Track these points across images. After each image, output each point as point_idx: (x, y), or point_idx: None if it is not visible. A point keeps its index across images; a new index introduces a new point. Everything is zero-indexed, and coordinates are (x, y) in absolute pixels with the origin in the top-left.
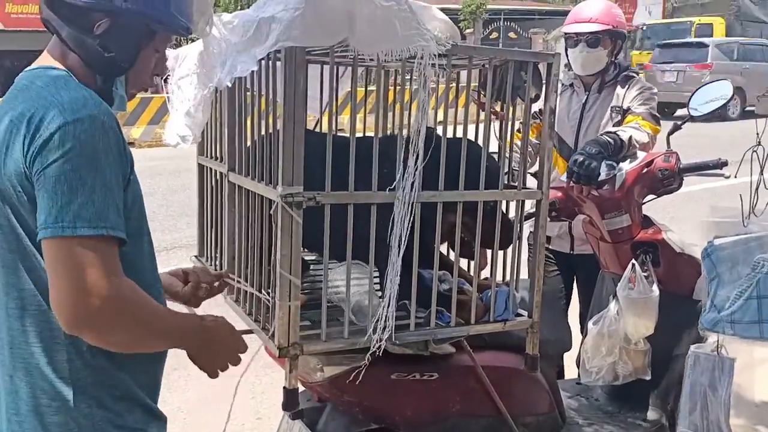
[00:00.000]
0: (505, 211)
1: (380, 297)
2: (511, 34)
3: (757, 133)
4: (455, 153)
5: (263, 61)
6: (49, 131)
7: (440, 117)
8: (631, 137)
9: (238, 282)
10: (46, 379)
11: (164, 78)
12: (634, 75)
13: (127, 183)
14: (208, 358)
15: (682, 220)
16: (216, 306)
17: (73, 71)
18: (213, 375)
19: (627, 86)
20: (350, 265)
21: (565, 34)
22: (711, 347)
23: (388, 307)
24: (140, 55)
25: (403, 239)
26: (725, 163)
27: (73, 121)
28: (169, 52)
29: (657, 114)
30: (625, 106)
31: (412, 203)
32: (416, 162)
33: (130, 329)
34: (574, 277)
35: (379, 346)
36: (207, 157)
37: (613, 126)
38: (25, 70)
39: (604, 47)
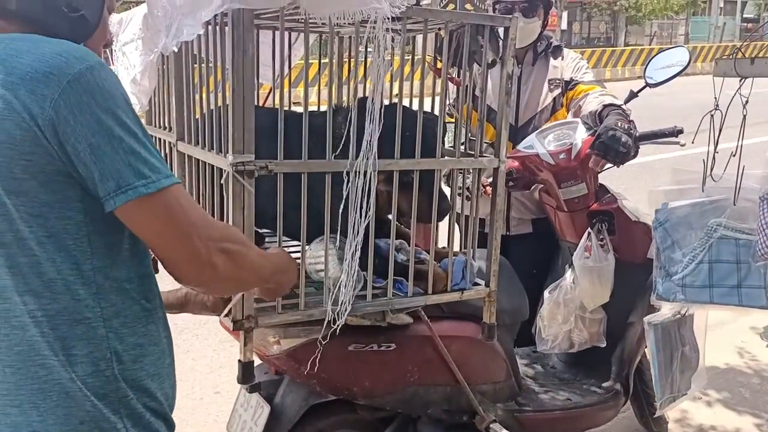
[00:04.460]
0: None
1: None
2: (468, 6)
3: (715, 97)
4: (402, 122)
5: (210, 26)
6: (65, 82)
7: (395, 90)
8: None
9: None
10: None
11: (110, 48)
12: (561, 46)
13: None
14: (280, 289)
15: (637, 190)
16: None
17: None
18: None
19: (560, 57)
20: (328, 239)
21: (496, 2)
22: (666, 314)
23: (347, 279)
24: (103, 14)
25: (365, 209)
26: (681, 131)
27: (88, 69)
28: (113, 17)
29: None
30: (566, 78)
31: (370, 172)
32: (372, 129)
33: (247, 269)
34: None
35: (335, 320)
36: (155, 126)
37: (553, 98)
38: None
39: (538, 17)
